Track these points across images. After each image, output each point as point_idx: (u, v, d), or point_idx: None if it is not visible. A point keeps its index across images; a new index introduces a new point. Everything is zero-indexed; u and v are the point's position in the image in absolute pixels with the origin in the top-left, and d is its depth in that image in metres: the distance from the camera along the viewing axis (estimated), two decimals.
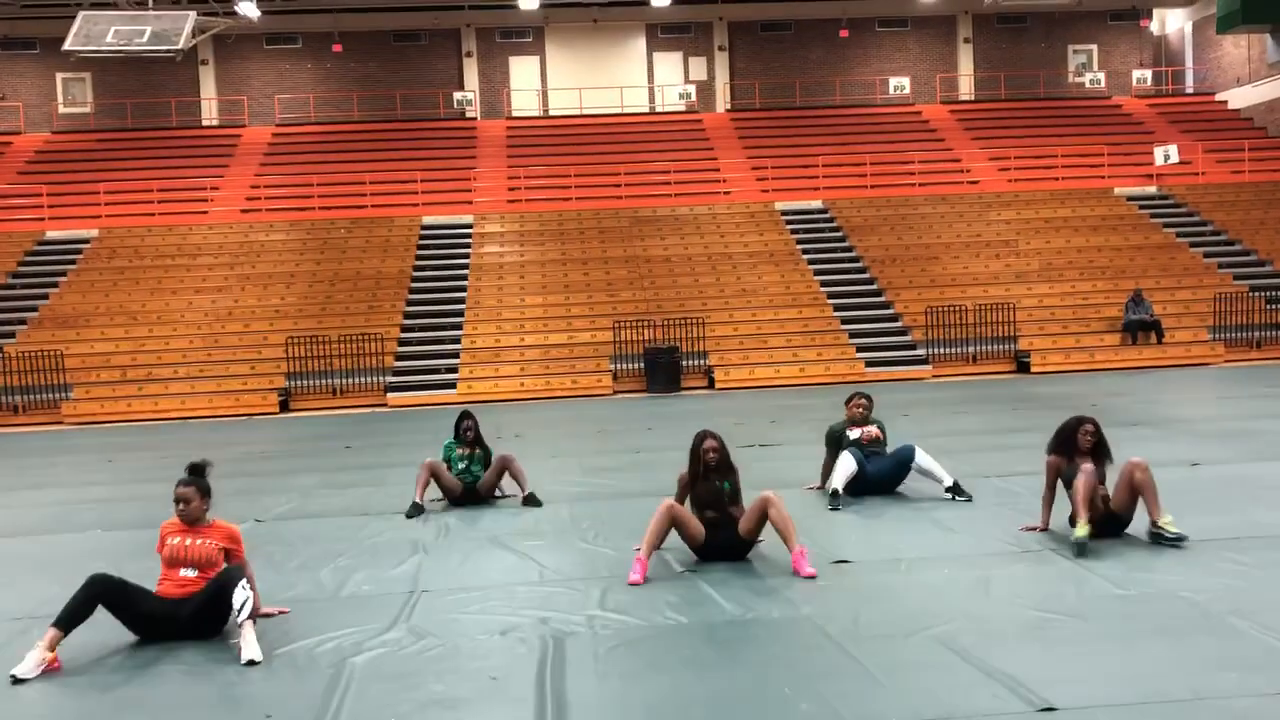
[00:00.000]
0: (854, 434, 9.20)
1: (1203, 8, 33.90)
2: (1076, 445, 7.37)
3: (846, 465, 8.80)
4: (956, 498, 8.68)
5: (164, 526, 6.12)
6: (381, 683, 5.18)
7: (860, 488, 8.90)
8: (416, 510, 9.03)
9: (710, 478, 7.11)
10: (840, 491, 8.69)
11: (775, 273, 24.75)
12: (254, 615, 5.70)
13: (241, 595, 5.61)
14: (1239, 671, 4.83)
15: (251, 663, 5.43)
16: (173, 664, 5.58)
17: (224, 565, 5.97)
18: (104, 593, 5.71)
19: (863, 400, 9.42)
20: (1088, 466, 7.04)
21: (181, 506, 6.01)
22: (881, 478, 9.01)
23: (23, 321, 23.17)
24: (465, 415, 9.71)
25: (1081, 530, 6.88)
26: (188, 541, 5.96)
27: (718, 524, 6.99)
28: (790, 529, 6.77)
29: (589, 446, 13.43)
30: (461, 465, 9.41)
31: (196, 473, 6.13)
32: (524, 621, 5.99)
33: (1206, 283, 24.01)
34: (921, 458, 8.93)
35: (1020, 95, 34.82)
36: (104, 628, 5.89)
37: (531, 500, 9.24)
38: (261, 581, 7.08)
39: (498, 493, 9.59)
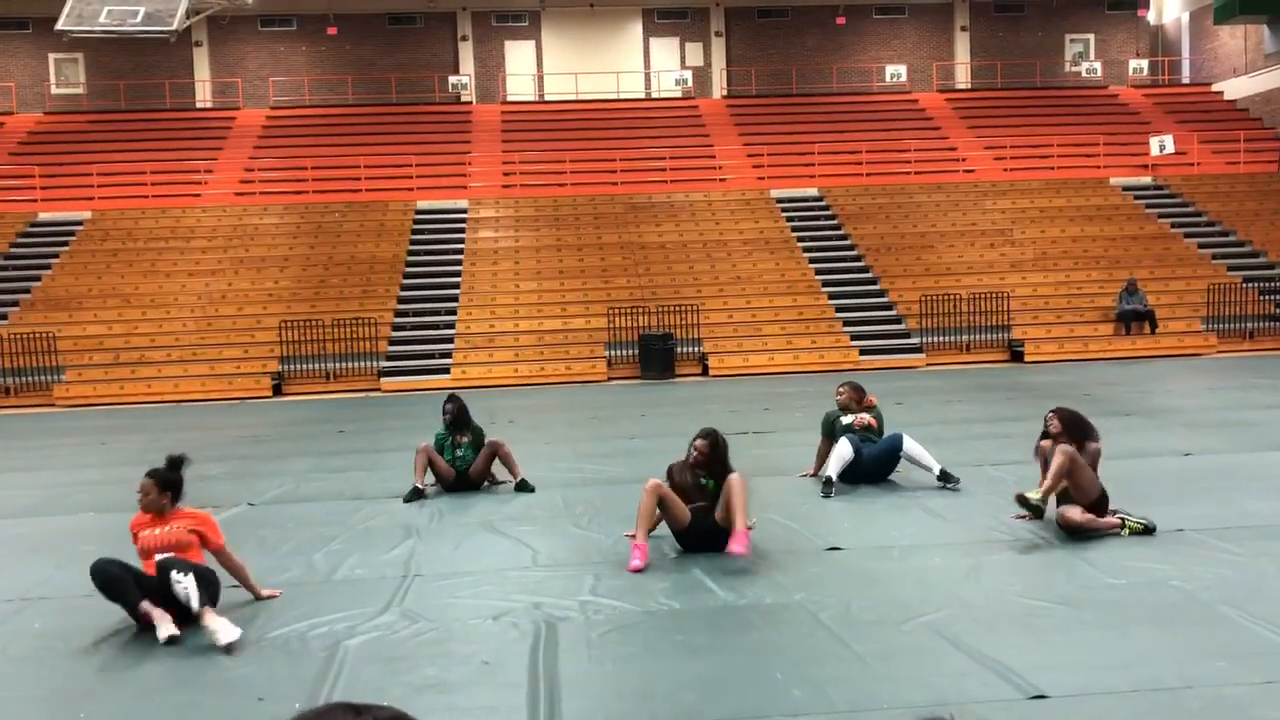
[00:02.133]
0: (846, 420, 9.23)
1: None
2: (1050, 434, 7.54)
3: (843, 452, 8.81)
4: (946, 485, 8.71)
5: (133, 522, 6.15)
6: (374, 666, 5.18)
7: (854, 475, 8.92)
8: (416, 494, 9.03)
9: (698, 472, 7.10)
10: (834, 479, 8.71)
11: (770, 260, 24.74)
12: (209, 602, 5.67)
13: (181, 589, 5.55)
14: (1229, 660, 4.86)
15: (230, 646, 5.42)
16: (163, 646, 5.58)
17: (195, 545, 6.00)
18: (106, 582, 5.72)
19: (842, 388, 9.50)
20: (1061, 446, 7.16)
21: (139, 497, 6.10)
22: (873, 465, 9.03)
23: (15, 303, 23.08)
24: (449, 399, 9.71)
25: (1032, 493, 7.06)
26: (156, 531, 6.02)
27: (697, 512, 6.99)
28: (740, 508, 6.68)
29: (582, 432, 13.43)
30: (455, 452, 9.39)
31: (174, 466, 6.17)
32: (517, 606, 6.00)
33: (1200, 273, 24.04)
34: (909, 445, 8.95)
35: (1017, 84, 34.77)
36: (98, 610, 5.89)
37: (524, 486, 9.24)
38: (254, 565, 7.08)
39: (489, 480, 9.58)
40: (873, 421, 9.28)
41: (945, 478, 8.75)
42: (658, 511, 6.93)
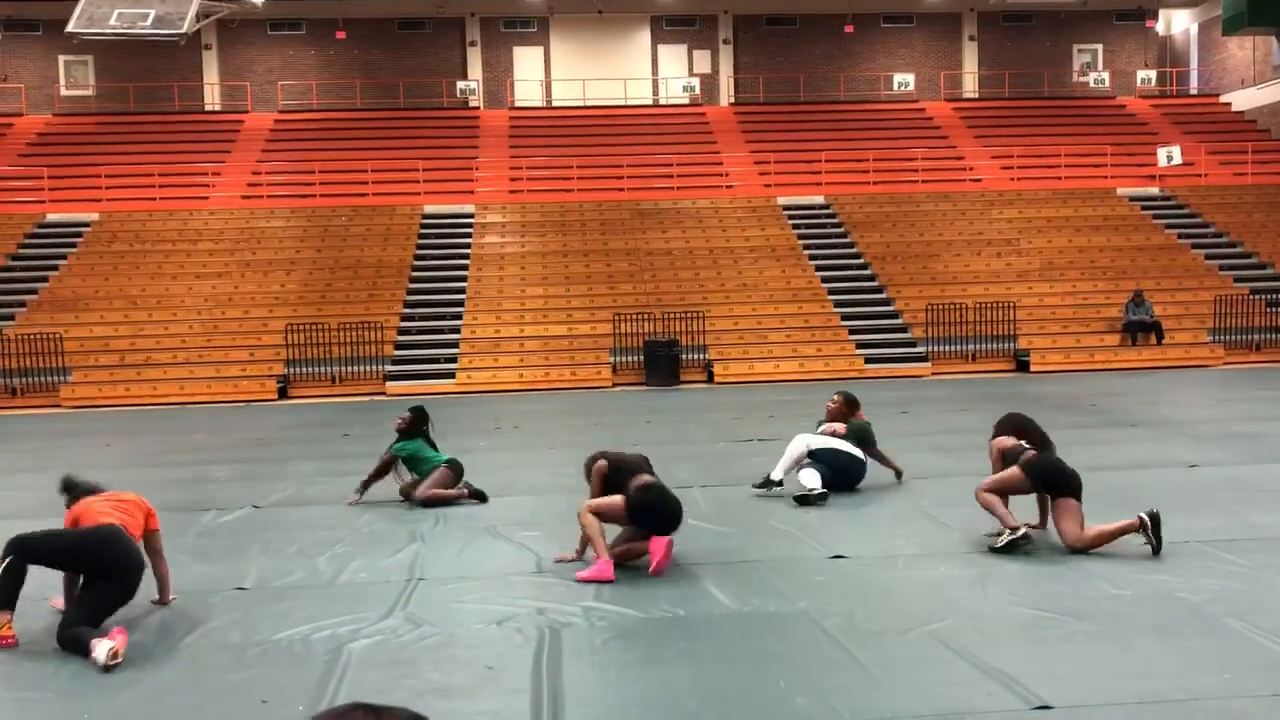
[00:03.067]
0: (821, 431, 9.25)
1: (1209, 9, 33.84)
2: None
3: (809, 482, 8.75)
4: (769, 489, 8.89)
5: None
6: (378, 670, 5.19)
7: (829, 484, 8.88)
8: (479, 496, 9.03)
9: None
10: (812, 491, 8.62)
11: (776, 268, 24.74)
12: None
13: None
14: (1234, 672, 4.84)
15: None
16: (169, 647, 5.59)
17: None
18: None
19: (836, 397, 9.57)
20: (979, 490, 7.31)
21: None
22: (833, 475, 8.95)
23: (22, 304, 23.14)
24: (416, 408, 9.57)
25: (1000, 540, 6.98)
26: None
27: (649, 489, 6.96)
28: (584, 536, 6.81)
29: (587, 438, 13.39)
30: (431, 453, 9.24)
31: (64, 489, 6.40)
32: (521, 611, 6.00)
33: (1207, 285, 23.99)
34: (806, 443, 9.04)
35: (1024, 94, 34.76)
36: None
37: (479, 495, 9.13)
38: (258, 567, 7.11)
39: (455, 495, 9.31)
40: (840, 428, 9.22)
41: (767, 484, 8.93)
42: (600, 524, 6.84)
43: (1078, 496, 6.97)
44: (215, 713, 4.79)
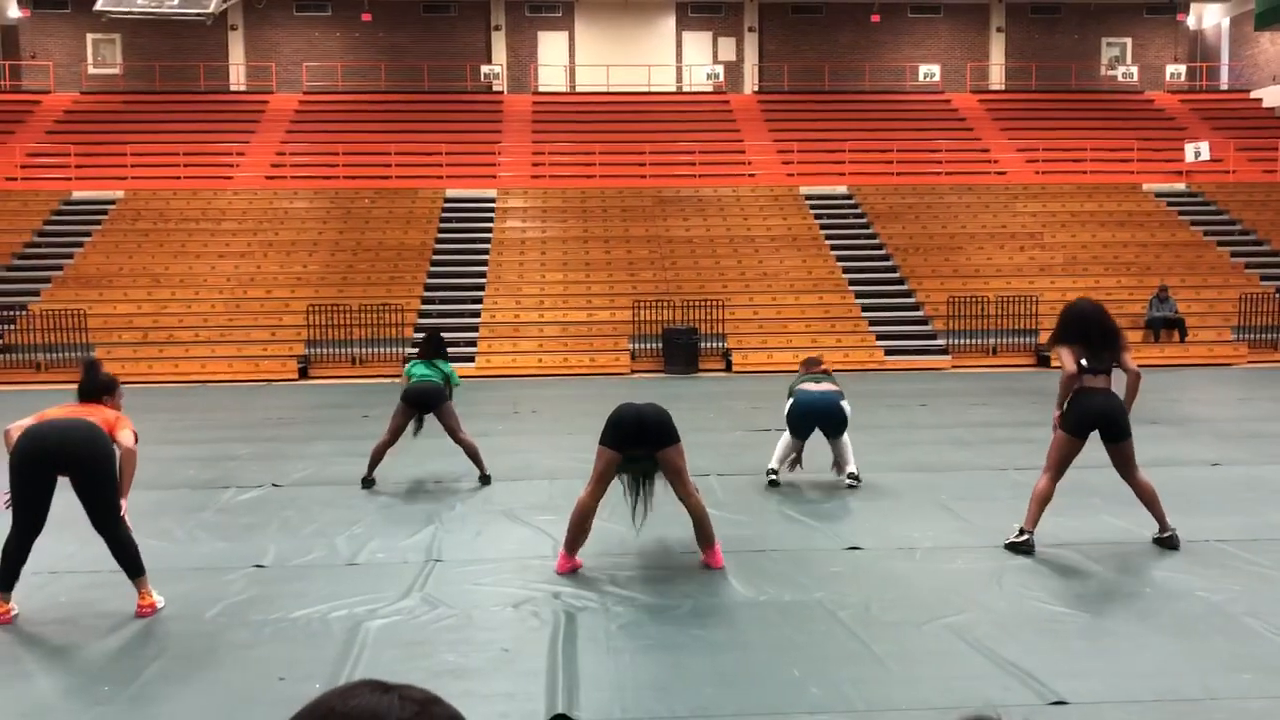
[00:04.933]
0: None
1: (1241, 3, 33.45)
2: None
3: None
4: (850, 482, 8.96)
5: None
6: (394, 650, 5.21)
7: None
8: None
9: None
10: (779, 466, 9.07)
11: (797, 257, 24.65)
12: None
13: None
14: (1253, 672, 4.81)
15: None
16: (187, 623, 5.64)
17: None
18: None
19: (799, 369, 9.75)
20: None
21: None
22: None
23: (47, 280, 23.31)
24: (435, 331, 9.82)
25: (1016, 537, 6.89)
26: None
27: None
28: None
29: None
30: (414, 369, 9.39)
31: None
32: (537, 595, 6.02)
33: (1233, 282, 23.77)
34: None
35: (1051, 87, 34.46)
36: (122, 586, 5.94)
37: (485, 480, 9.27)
38: (276, 546, 7.16)
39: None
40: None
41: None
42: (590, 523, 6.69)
43: (1129, 433, 6.73)
44: (232, 688, 4.83)
